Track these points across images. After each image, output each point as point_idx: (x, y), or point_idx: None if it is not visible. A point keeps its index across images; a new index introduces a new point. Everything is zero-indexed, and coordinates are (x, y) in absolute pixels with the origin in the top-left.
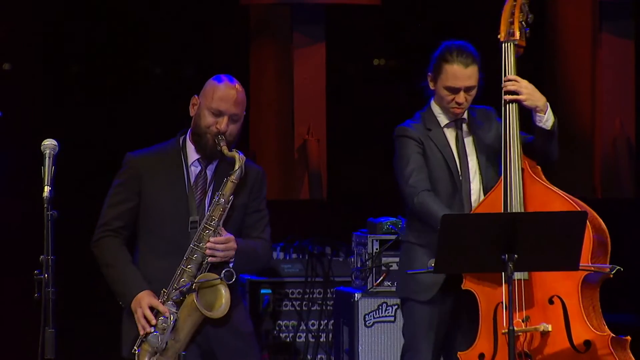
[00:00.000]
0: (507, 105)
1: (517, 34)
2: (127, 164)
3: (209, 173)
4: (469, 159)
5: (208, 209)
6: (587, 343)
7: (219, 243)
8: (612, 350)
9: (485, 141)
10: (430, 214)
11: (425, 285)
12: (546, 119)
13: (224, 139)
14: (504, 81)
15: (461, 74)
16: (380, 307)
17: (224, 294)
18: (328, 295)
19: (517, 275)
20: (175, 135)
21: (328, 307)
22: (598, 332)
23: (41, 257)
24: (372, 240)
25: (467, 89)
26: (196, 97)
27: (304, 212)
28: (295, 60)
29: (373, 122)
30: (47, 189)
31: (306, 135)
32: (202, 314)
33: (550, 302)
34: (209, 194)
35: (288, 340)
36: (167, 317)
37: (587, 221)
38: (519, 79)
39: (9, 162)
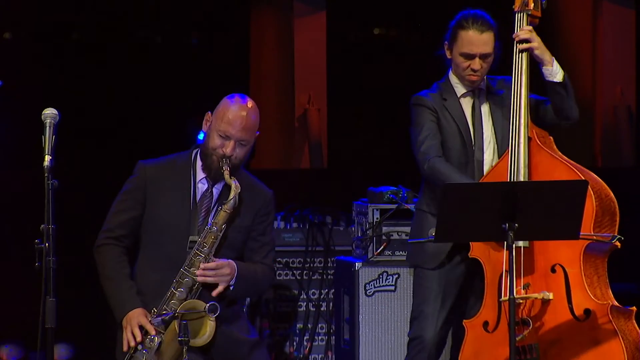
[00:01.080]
0: (516, 75)
1: (532, 4)
2: (137, 172)
3: (215, 192)
4: (484, 128)
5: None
6: (587, 312)
7: (209, 269)
8: (611, 319)
9: (503, 111)
10: (440, 178)
11: (432, 254)
12: (555, 71)
13: (229, 162)
14: (516, 38)
15: (477, 39)
16: (381, 277)
17: (210, 323)
18: (329, 265)
19: (518, 243)
20: (178, 113)
21: (328, 277)
22: (598, 301)
23: (42, 226)
24: (373, 209)
25: (483, 56)
26: (209, 113)
27: (305, 181)
28: (296, 29)
29: (374, 91)
30: (47, 158)
31: (307, 105)
32: None
33: (553, 270)
34: (212, 213)
35: (288, 309)
36: (154, 337)
37: (592, 190)
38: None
39: (10, 131)
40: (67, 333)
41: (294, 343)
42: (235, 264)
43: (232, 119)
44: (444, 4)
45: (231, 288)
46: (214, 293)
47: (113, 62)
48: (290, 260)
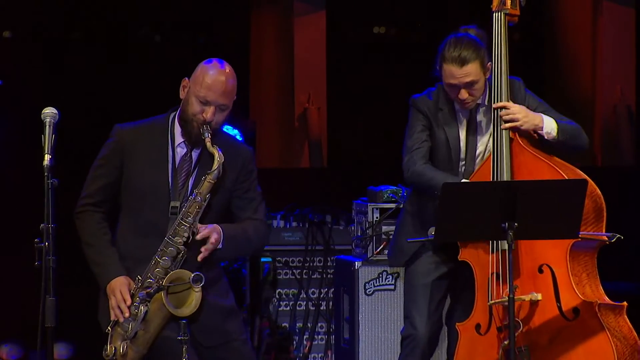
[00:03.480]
0: (496, 76)
1: (509, 3)
2: (114, 136)
3: (194, 156)
4: (479, 142)
5: (187, 199)
6: (576, 310)
7: (206, 250)
8: (599, 316)
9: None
10: (423, 181)
11: (398, 252)
12: (549, 129)
13: (209, 129)
14: (497, 107)
15: (457, 73)
16: (381, 276)
17: (196, 292)
18: (328, 264)
19: (504, 245)
20: (167, 110)
21: (328, 276)
22: (586, 300)
23: (41, 225)
24: (373, 208)
25: (468, 85)
26: (187, 79)
27: (305, 180)
28: (296, 28)
29: (373, 90)
30: (47, 157)
31: (306, 104)
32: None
33: (540, 270)
34: (193, 177)
35: (288, 308)
36: (139, 305)
37: None
38: (508, 104)
39: (9, 130)
40: (67, 332)
41: (294, 342)
42: (221, 227)
43: (211, 84)
44: (444, 3)
45: (220, 247)
46: (199, 258)
47: (112, 60)
48: (290, 259)
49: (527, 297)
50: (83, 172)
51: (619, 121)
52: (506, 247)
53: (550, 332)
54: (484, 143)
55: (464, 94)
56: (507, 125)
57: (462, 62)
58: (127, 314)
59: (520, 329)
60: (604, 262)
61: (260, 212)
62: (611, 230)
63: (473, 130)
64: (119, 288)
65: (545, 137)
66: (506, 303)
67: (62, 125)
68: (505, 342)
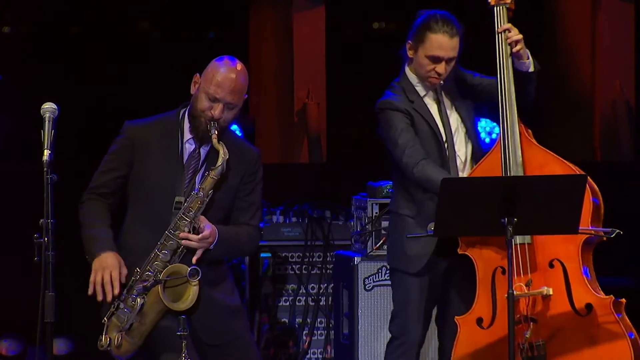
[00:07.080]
0: (502, 69)
1: None
2: (124, 132)
3: (202, 153)
4: (451, 124)
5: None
6: (589, 306)
7: (194, 240)
8: (614, 313)
9: (460, 99)
10: (430, 181)
11: (415, 257)
12: (529, 63)
13: (217, 126)
14: (502, 31)
15: (446, 44)
16: (380, 271)
17: (193, 287)
18: (328, 259)
19: (520, 240)
20: (176, 106)
21: (328, 271)
22: (600, 295)
23: (41, 220)
24: (372, 204)
25: (449, 60)
26: (198, 75)
27: (304, 175)
28: (295, 23)
29: (373, 86)
30: (46, 152)
31: (306, 99)
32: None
33: (551, 265)
34: (200, 173)
35: (288, 303)
36: (136, 297)
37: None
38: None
39: (9, 125)
40: (66, 327)
41: (293, 337)
42: (217, 231)
43: (220, 81)
44: None
45: (211, 247)
46: (193, 260)
47: (112, 56)
48: (290, 254)
49: (538, 292)
50: (83, 168)
51: (618, 116)
52: (523, 241)
53: (565, 327)
54: (455, 119)
55: (442, 68)
56: (519, 46)
57: (452, 34)
58: (110, 298)
59: (536, 323)
60: (602, 257)
61: (257, 218)
62: (610, 225)
63: (443, 110)
64: (110, 269)
65: (523, 68)
66: (522, 296)
67: (61, 121)
68: (527, 335)
